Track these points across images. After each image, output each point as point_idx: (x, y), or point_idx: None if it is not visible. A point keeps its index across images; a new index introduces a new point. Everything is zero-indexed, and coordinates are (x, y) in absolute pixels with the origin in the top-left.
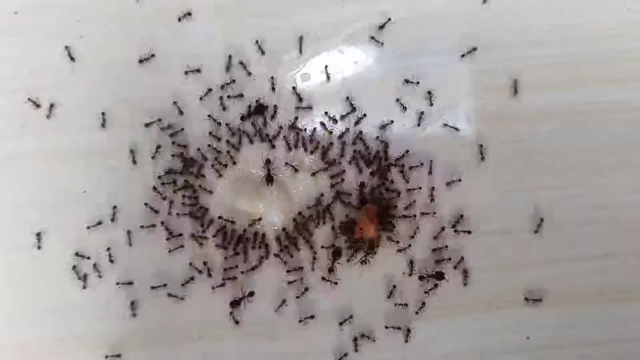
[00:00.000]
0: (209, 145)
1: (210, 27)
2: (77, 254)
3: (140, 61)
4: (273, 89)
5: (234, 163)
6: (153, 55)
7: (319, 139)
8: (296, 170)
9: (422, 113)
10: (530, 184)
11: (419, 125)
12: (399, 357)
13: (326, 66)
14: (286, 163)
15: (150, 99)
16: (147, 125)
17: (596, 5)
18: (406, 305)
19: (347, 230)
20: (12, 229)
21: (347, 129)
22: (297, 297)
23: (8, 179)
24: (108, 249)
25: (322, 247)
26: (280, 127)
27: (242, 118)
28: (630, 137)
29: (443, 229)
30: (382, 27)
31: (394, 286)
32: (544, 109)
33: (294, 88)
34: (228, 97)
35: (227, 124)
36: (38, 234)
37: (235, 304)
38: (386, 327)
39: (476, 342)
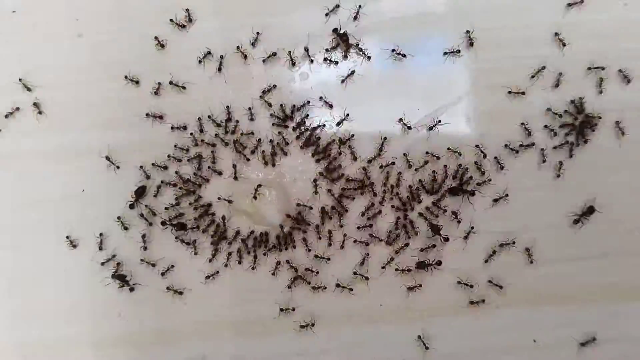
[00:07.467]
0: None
1: (210, 27)
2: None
3: None
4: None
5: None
6: None
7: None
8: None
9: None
10: (530, 184)
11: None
12: (399, 357)
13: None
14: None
15: (149, 97)
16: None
17: (595, 4)
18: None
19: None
20: (12, 229)
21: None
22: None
23: (8, 179)
24: (100, 233)
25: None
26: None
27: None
28: (630, 137)
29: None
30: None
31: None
32: (543, 108)
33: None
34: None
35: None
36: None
37: (422, 266)
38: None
39: (476, 342)
